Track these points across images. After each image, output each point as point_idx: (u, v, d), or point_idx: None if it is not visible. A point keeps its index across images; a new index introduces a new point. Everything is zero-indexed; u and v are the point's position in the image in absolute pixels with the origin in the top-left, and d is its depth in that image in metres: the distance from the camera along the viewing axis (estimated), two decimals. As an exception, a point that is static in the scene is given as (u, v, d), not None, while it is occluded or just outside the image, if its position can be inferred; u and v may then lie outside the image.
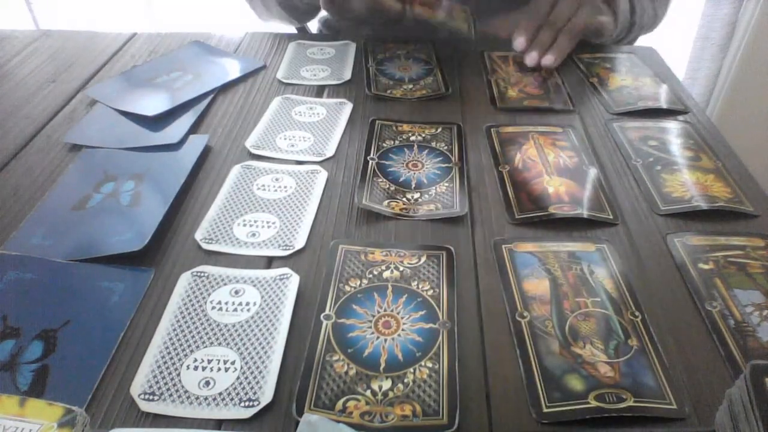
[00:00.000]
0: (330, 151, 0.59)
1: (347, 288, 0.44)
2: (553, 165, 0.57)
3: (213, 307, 0.42)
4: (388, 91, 0.69)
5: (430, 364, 0.38)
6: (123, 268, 0.45)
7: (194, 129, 0.62)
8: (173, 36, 0.82)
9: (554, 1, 0.73)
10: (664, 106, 0.66)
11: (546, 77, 0.72)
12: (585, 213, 0.51)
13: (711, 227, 0.50)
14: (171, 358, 0.38)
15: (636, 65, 0.75)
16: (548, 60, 0.72)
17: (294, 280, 0.44)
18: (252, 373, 0.37)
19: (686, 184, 0.54)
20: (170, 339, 0.40)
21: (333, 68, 0.74)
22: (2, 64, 0.74)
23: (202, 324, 0.41)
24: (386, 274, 0.45)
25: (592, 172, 0.56)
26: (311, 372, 0.37)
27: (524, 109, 0.67)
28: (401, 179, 0.55)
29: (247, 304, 0.42)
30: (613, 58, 0.77)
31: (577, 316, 0.42)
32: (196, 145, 0.59)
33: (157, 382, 0.37)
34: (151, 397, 0.36)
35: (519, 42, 0.73)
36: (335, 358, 0.38)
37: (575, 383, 0.37)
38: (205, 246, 0.47)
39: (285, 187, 0.54)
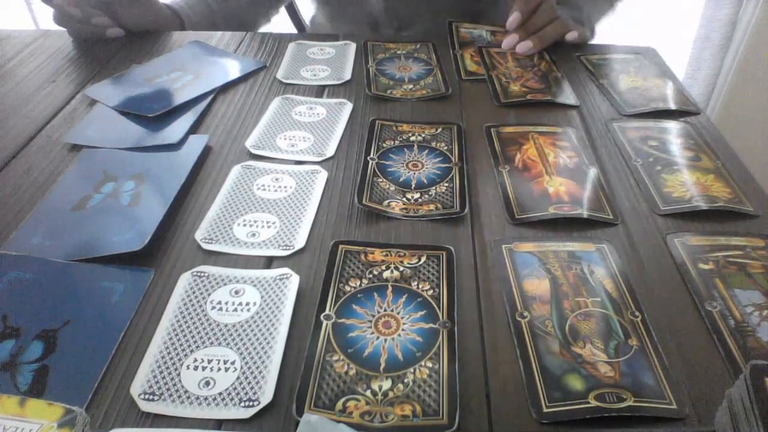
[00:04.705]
0: (330, 151, 0.59)
1: (347, 288, 0.44)
2: (553, 165, 0.57)
3: (213, 307, 0.42)
4: (388, 91, 0.69)
5: (430, 364, 0.38)
6: (123, 268, 0.45)
7: (194, 129, 0.62)
8: (173, 36, 0.82)
9: (534, 8, 0.76)
10: (676, 107, 0.66)
11: (546, 72, 0.72)
12: (585, 213, 0.51)
13: (711, 227, 0.50)
14: (171, 358, 0.38)
15: (644, 66, 0.75)
16: (525, 46, 0.76)
17: (294, 280, 0.44)
18: (252, 373, 0.37)
19: (686, 184, 0.54)
20: (170, 339, 0.40)
21: (333, 68, 0.74)
22: (2, 64, 0.74)
23: (202, 324, 0.41)
24: (386, 274, 0.45)
25: (592, 172, 0.56)
26: (311, 372, 0.37)
27: (528, 103, 0.67)
28: (401, 179, 0.55)
29: (247, 304, 0.42)
30: (621, 60, 0.77)
31: (577, 315, 0.42)
32: (196, 145, 0.59)
33: (157, 382, 0.37)
34: (151, 397, 0.36)
35: (514, 18, 0.76)
36: (335, 358, 0.38)
37: (575, 383, 0.37)
38: (205, 246, 0.47)
39: (285, 187, 0.54)
